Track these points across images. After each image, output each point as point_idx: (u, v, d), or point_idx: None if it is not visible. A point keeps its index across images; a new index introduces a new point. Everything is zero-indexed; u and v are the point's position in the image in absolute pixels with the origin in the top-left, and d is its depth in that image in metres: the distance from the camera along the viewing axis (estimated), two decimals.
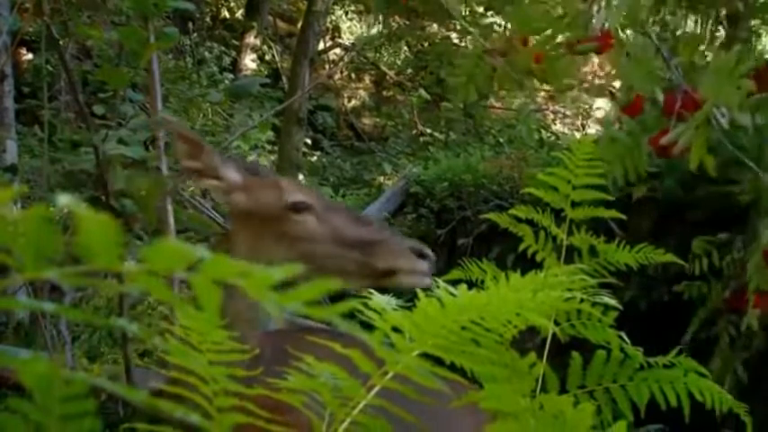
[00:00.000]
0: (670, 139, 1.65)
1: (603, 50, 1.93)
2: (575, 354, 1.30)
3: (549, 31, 1.89)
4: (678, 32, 1.89)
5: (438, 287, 1.12)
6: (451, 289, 1.12)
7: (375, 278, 1.81)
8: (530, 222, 1.58)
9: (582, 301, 1.22)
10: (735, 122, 1.61)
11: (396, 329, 1.09)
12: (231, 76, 10.99)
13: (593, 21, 1.85)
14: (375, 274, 1.81)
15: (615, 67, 1.84)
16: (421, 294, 1.10)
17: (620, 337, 1.31)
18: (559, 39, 1.93)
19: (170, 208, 2.77)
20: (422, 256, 1.83)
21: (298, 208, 1.82)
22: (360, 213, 2.07)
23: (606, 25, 1.83)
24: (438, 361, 1.10)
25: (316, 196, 1.88)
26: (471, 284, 1.23)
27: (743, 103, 1.60)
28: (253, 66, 12.18)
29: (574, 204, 1.47)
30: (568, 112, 11.12)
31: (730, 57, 1.63)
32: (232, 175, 1.86)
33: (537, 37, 1.95)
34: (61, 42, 4.36)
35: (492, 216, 1.66)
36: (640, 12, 1.81)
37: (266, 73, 11.51)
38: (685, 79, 1.70)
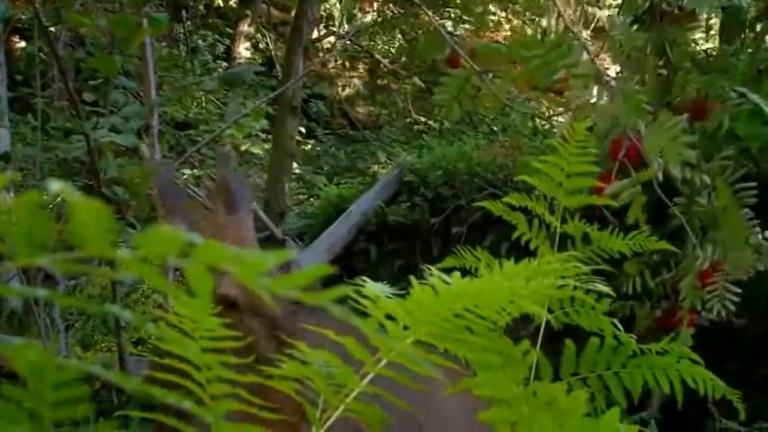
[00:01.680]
0: (613, 191, 1.72)
1: (565, 90, 1.99)
2: (568, 341, 1.31)
3: (542, 59, 1.92)
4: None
5: (432, 275, 1.12)
6: (445, 277, 1.12)
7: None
8: (523, 210, 1.58)
9: (575, 288, 1.22)
10: (666, 173, 1.70)
11: (389, 317, 1.09)
12: (225, 64, 10.98)
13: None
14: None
15: (582, 103, 1.88)
16: (415, 282, 1.10)
17: (614, 325, 1.32)
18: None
19: None
20: None
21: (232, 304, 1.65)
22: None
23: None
24: (431, 348, 1.10)
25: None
26: (465, 272, 1.23)
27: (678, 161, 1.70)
28: (246, 54, 12.16)
29: (567, 192, 1.47)
30: (560, 109, 11.10)
31: (675, 121, 1.71)
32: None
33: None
34: (54, 30, 4.35)
35: (486, 204, 1.66)
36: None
37: (260, 61, 11.48)
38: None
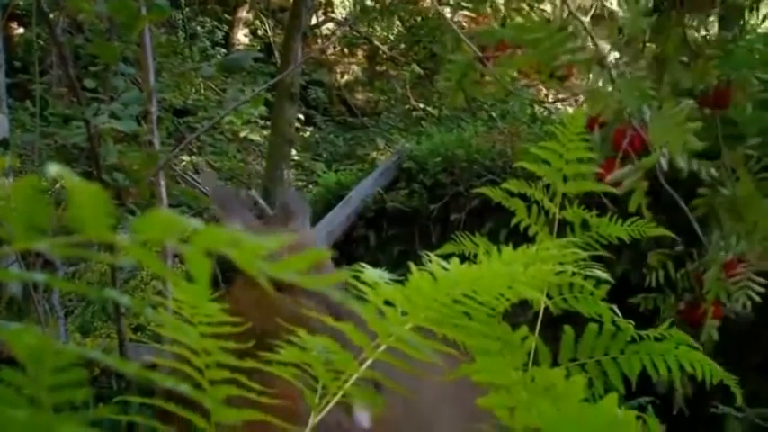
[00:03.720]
0: (615, 179, 1.71)
1: (570, 77, 1.97)
2: (567, 327, 1.31)
3: (545, 44, 1.90)
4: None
5: (430, 261, 1.13)
6: (444, 263, 1.12)
7: None
8: (522, 197, 1.57)
9: (574, 274, 1.22)
10: (673, 165, 1.68)
11: (388, 303, 1.09)
12: (223, 50, 10.96)
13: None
14: None
15: (596, 89, 1.86)
16: (413, 268, 1.10)
17: (612, 311, 1.32)
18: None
19: (162, 183, 2.76)
20: None
21: None
22: None
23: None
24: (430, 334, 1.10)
25: None
26: (464, 259, 1.23)
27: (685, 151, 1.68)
28: (245, 40, 12.14)
29: (566, 178, 1.47)
30: (561, 96, 11.10)
31: (681, 108, 1.69)
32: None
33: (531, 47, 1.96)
34: (52, 16, 4.34)
35: (484, 190, 1.66)
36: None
37: (259, 48, 11.45)
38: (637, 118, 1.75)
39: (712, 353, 1.95)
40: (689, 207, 2.02)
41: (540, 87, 10.96)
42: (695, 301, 1.97)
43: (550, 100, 10.80)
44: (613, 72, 1.83)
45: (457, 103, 2.15)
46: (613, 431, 0.86)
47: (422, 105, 11.13)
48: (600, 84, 1.84)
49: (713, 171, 1.80)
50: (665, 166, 1.69)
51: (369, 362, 1.10)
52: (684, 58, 2.00)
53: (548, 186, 1.50)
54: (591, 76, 1.86)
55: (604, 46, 1.83)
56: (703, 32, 2.04)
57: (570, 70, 1.97)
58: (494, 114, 9.14)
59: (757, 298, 1.91)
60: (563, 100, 10.87)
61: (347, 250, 5.51)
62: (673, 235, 1.62)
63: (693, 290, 2.02)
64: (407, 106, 11.41)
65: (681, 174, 1.83)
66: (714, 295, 1.91)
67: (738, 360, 3.43)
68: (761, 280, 1.91)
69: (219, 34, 11.49)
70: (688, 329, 2.00)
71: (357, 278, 1.12)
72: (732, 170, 1.90)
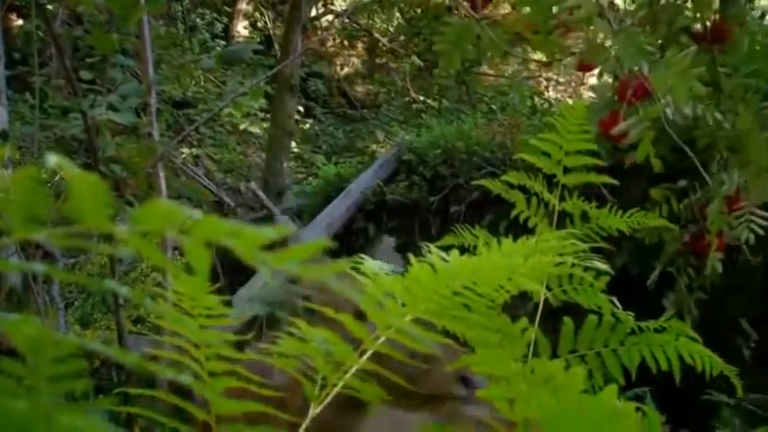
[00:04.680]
0: (621, 130, 1.70)
1: (571, 30, 1.96)
2: (566, 319, 1.31)
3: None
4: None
5: (430, 252, 1.12)
6: (443, 254, 1.12)
7: None
8: (522, 189, 1.57)
9: (573, 265, 1.22)
10: (679, 112, 1.67)
11: (388, 294, 1.09)
12: (223, 42, 10.95)
13: None
14: None
15: (595, 44, 1.86)
16: (413, 260, 1.10)
17: (612, 302, 1.32)
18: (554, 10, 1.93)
19: (161, 174, 2.76)
20: None
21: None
22: None
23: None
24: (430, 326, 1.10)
25: None
26: (464, 250, 1.23)
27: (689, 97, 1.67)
28: (245, 32, 12.12)
29: (566, 170, 1.46)
30: (561, 79, 11.10)
31: (684, 54, 1.68)
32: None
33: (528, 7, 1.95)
34: (51, 8, 4.33)
35: (484, 182, 1.65)
36: None
37: (258, 40, 11.44)
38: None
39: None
40: (690, 140, 2.00)
41: (541, 79, 10.96)
42: (699, 232, 1.96)
43: (548, 83, 10.80)
44: (614, 24, 1.81)
45: (452, 66, 2.13)
46: (613, 423, 0.86)
47: (422, 98, 11.13)
48: (600, 37, 1.82)
49: (718, 115, 1.78)
50: (670, 114, 1.67)
51: (369, 353, 1.10)
52: None
53: (548, 178, 1.50)
54: (591, 29, 1.85)
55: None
56: None
57: (567, 29, 1.96)
58: (494, 106, 9.14)
59: (760, 231, 1.90)
60: (561, 59, 10.84)
61: (347, 242, 5.52)
62: (674, 226, 1.62)
63: (697, 221, 2.01)
64: (407, 98, 11.41)
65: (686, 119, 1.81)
66: (717, 228, 1.91)
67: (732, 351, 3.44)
68: (763, 213, 1.91)
69: (219, 26, 11.48)
70: (693, 260, 2.01)
71: (357, 270, 1.12)
72: (732, 101, 1.88)
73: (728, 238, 1.98)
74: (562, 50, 2.11)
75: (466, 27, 2.08)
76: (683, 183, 2.35)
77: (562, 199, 1.50)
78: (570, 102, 10.09)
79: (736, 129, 1.90)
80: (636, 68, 1.72)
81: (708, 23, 1.94)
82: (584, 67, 1.92)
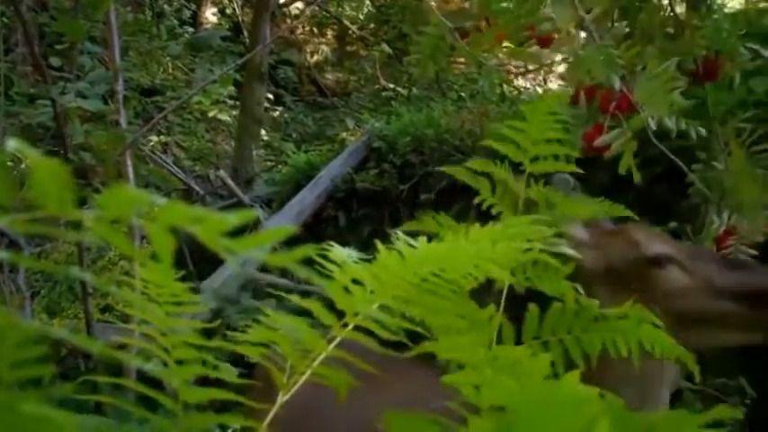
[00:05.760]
0: (604, 142, 1.71)
1: (550, 42, 1.97)
2: (531, 306, 1.32)
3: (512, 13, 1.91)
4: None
5: (398, 239, 1.13)
6: (411, 241, 1.12)
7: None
8: (490, 176, 1.57)
9: (542, 251, 1.23)
10: (662, 127, 1.69)
11: (356, 282, 1.09)
12: (191, 29, 10.87)
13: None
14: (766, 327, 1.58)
15: (572, 54, 1.87)
16: (381, 246, 1.10)
17: (576, 290, 1.33)
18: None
19: (129, 162, 2.75)
20: None
21: (659, 261, 1.60)
22: (731, 258, 1.80)
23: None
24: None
25: (676, 246, 1.65)
26: (432, 237, 1.23)
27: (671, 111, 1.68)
28: (213, 19, 12.05)
29: (534, 158, 1.47)
30: (531, 67, 11.12)
31: (665, 66, 1.70)
32: (579, 232, 1.65)
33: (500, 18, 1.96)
34: None
35: (448, 170, 1.64)
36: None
37: (227, 27, 11.37)
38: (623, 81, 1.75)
39: None
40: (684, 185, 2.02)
41: (510, 67, 10.99)
42: None
43: (517, 71, 10.82)
44: (596, 37, 1.82)
45: (427, 74, 2.15)
46: (577, 407, 0.87)
47: (391, 85, 11.12)
48: (580, 51, 1.83)
49: (702, 131, 1.79)
50: (653, 126, 1.69)
51: (337, 340, 1.10)
52: (670, 30, 1.99)
53: (515, 166, 1.50)
54: (571, 42, 1.86)
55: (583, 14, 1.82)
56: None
57: (541, 40, 1.97)
58: (463, 94, 9.16)
59: None
60: (533, 71, 10.91)
61: (317, 230, 5.51)
62: (638, 218, 1.62)
63: None
64: (377, 86, 11.40)
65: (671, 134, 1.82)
66: None
67: None
68: (751, 251, 1.92)
69: (187, 13, 11.39)
70: None
71: (324, 257, 1.12)
72: (725, 144, 1.90)
73: None
74: (535, 61, 2.12)
75: (440, 38, 2.10)
76: (673, 224, 2.37)
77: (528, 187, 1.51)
78: (540, 90, 10.14)
79: (728, 169, 1.91)
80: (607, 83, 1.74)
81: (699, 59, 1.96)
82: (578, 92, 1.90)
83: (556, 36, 1.93)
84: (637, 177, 1.75)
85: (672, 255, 1.61)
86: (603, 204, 1.59)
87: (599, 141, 1.73)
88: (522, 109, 1.49)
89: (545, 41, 1.95)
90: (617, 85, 1.72)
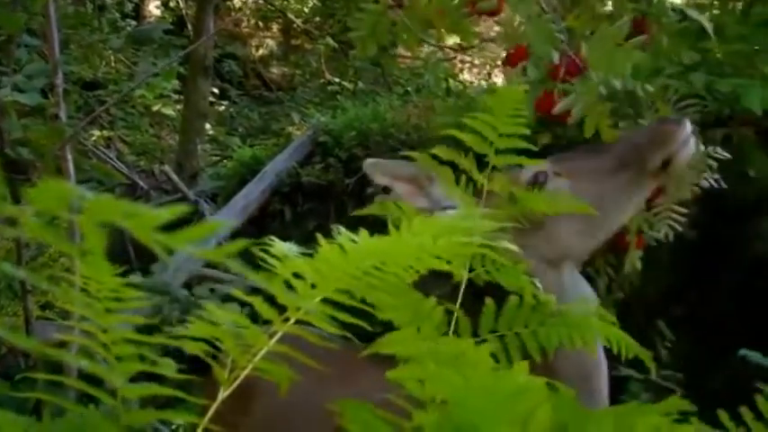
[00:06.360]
0: (562, 109, 1.72)
1: (500, 11, 1.98)
2: (488, 299, 1.32)
3: None
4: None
5: (340, 233, 1.12)
6: (353, 235, 1.11)
7: (657, 178, 1.78)
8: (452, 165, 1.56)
9: (486, 246, 1.23)
10: (609, 87, 1.70)
11: (297, 276, 1.09)
12: (134, 22, 10.73)
13: None
14: (656, 176, 1.77)
15: (511, 28, 1.88)
16: (322, 240, 1.10)
17: (534, 284, 1.33)
18: None
19: (69, 157, 2.70)
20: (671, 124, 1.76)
21: (539, 180, 1.73)
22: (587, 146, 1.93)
23: None
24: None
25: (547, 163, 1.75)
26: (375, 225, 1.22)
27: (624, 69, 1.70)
28: (157, 12, 11.90)
29: (498, 151, 1.46)
30: (476, 62, 11.19)
31: (619, 27, 1.71)
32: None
33: None
34: None
35: (413, 154, 1.63)
36: None
37: (171, 20, 11.24)
38: (570, 45, 1.76)
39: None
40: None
41: (456, 62, 11.03)
42: (620, 232, 2.00)
43: (463, 65, 10.88)
44: (545, 6, 1.83)
45: (367, 53, 2.15)
46: (522, 398, 0.87)
47: (337, 79, 11.10)
48: (517, 22, 1.84)
49: (649, 88, 1.80)
50: (603, 90, 1.70)
51: (278, 335, 1.10)
52: None
53: (477, 158, 1.49)
54: (504, 16, 1.87)
55: None
56: None
57: (479, 15, 1.98)
58: (409, 89, 9.18)
59: (679, 227, 1.95)
60: (474, 65, 10.96)
61: (263, 225, 5.49)
62: (595, 212, 1.64)
63: None
64: (323, 80, 11.37)
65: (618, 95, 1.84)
66: (636, 226, 1.96)
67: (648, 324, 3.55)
68: (682, 209, 1.95)
69: (130, 6, 11.23)
70: (613, 258, 2.06)
71: (266, 251, 1.11)
72: (651, 102, 1.92)
73: (648, 236, 2.02)
74: (474, 36, 2.13)
75: (381, 14, 2.09)
76: None
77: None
78: (485, 84, 10.19)
79: None
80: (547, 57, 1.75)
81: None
82: (513, 62, 1.93)
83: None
84: (608, 135, 1.76)
85: (543, 170, 1.72)
86: (564, 199, 1.61)
87: (558, 108, 1.73)
88: (486, 101, 1.48)
89: (492, 13, 1.95)
90: (555, 59, 1.73)
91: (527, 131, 1.46)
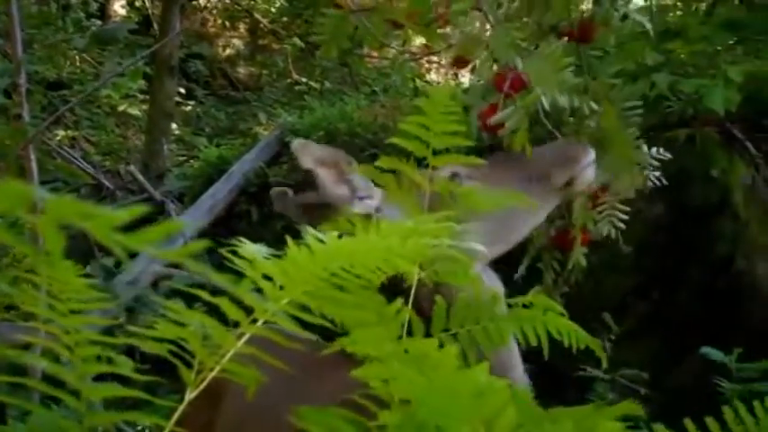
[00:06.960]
0: (497, 120, 1.74)
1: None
2: (438, 298, 1.33)
3: None
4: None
5: (307, 234, 1.12)
6: (320, 236, 1.11)
7: (563, 192, 1.85)
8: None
9: (450, 247, 1.24)
10: (554, 104, 1.74)
11: (266, 277, 1.08)
12: (99, 22, 10.63)
13: None
14: (562, 191, 1.84)
15: (472, 35, 1.90)
16: (290, 242, 1.10)
17: (481, 281, 1.34)
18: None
19: (33, 157, 2.67)
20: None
21: (455, 180, 1.73)
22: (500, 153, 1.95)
23: None
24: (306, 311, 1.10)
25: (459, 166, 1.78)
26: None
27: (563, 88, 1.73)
28: (122, 12, 11.81)
29: (435, 152, 1.48)
30: (443, 62, 11.21)
31: (555, 47, 1.74)
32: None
33: None
34: None
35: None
36: None
37: (136, 20, 11.15)
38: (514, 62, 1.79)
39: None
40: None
41: (423, 62, 11.05)
42: (565, 227, 2.02)
43: (430, 65, 10.90)
44: (491, 18, 1.85)
45: (331, 55, 2.17)
46: (484, 398, 0.88)
47: (304, 79, 11.08)
48: (477, 29, 1.87)
49: (594, 105, 1.84)
50: (546, 104, 1.73)
51: (246, 337, 1.10)
52: None
53: (419, 160, 1.50)
54: (466, 21, 1.89)
55: None
56: None
57: (445, 21, 2.00)
58: (376, 89, 9.18)
59: (622, 225, 1.98)
60: (442, 66, 10.99)
61: (230, 225, 5.46)
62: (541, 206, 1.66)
63: (563, 217, 2.08)
64: (289, 80, 11.34)
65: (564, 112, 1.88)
66: (582, 223, 1.99)
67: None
68: (624, 208, 1.98)
69: (95, 5, 11.13)
70: (558, 254, 2.08)
71: (234, 253, 1.11)
72: (597, 102, 1.95)
73: (592, 233, 2.05)
74: (441, 40, 2.14)
75: (343, 18, 2.10)
76: None
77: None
78: (452, 83, 10.22)
79: (600, 127, 1.96)
80: (509, 62, 1.77)
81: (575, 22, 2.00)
82: (460, 64, 1.97)
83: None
84: (528, 152, 1.80)
85: (457, 171, 1.74)
86: (505, 194, 1.61)
87: (493, 120, 1.76)
88: (418, 104, 1.50)
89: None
90: (519, 65, 1.75)
91: (462, 128, 1.47)
